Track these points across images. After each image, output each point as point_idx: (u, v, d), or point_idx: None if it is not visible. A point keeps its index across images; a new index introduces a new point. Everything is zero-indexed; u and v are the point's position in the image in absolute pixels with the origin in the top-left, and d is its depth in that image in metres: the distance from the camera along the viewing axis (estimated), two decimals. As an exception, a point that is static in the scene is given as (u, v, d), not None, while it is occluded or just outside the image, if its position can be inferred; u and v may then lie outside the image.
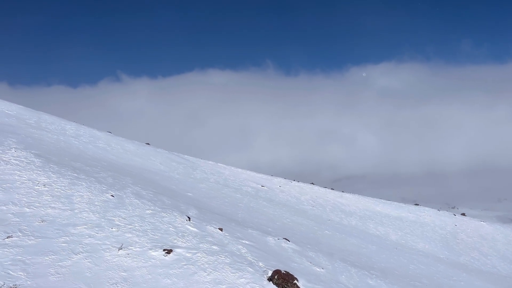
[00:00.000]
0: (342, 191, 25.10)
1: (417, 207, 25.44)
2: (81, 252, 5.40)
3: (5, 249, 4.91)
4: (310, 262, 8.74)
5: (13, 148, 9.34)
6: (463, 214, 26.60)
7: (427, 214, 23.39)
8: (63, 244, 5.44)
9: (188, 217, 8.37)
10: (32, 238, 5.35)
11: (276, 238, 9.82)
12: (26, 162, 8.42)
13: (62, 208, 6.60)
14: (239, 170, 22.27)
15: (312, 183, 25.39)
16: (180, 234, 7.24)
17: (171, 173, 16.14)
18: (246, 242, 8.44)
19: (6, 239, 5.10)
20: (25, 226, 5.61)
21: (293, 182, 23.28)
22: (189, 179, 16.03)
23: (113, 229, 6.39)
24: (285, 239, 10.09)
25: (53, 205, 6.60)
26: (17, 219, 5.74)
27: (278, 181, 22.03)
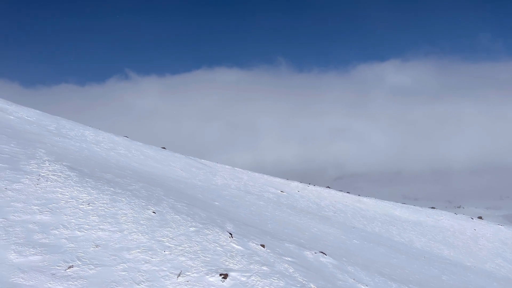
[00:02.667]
0: (358, 195, 24.85)
1: (434, 210, 25.19)
2: (142, 281, 5.17)
3: (69, 282, 4.69)
4: (354, 279, 8.51)
5: (47, 161, 9.14)
6: (480, 217, 26.34)
7: (445, 218, 23.14)
8: (123, 273, 5.22)
9: (230, 234, 8.15)
10: (92, 267, 5.12)
11: (313, 252, 9.59)
12: (63, 177, 8.20)
13: (111, 229, 6.38)
14: (256, 174, 22.05)
15: (328, 187, 25.15)
16: (228, 254, 7.01)
17: (193, 180, 15.92)
18: (289, 259, 8.21)
19: (68, 270, 4.88)
20: (81, 252, 5.39)
21: (310, 186, 23.04)
22: (211, 186, 15.81)
23: (166, 252, 6.17)
24: (322, 252, 9.87)
25: (101, 226, 6.38)
26: (72, 245, 5.52)
27: (295, 185, 21.79)
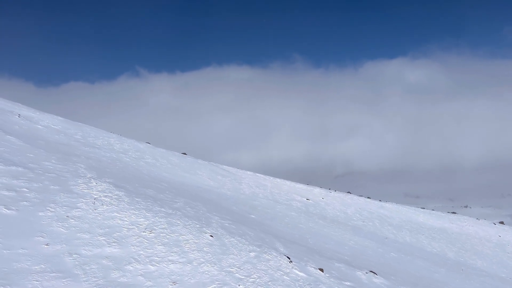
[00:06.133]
0: (380, 200, 24.55)
1: (456, 215, 24.87)
2: (231, 324, 4.87)
3: (163, 330, 4.38)
4: (414, 303, 8.22)
5: (92, 179, 8.84)
6: (502, 223, 26.03)
7: (468, 224, 22.82)
8: (209, 315, 4.92)
9: (288, 257, 7.86)
10: (178, 309, 4.82)
11: (365, 272, 9.30)
12: (115, 198, 7.91)
13: (180, 261, 6.09)
14: (278, 180, 21.74)
15: (349, 192, 24.84)
16: (296, 284, 6.72)
17: (222, 189, 15.62)
18: (349, 283, 7.93)
19: (158, 315, 4.58)
20: (162, 292, 5.09)
21: (332, 192, 22.74)
22: (241, 196, 15.51)
23: (241, 286, 5.88)
24: (372, 272, 9.58)
25: (170, 257, 6.08)
26: (150, 283, 5.23)
27: (318, 192, 21.48)
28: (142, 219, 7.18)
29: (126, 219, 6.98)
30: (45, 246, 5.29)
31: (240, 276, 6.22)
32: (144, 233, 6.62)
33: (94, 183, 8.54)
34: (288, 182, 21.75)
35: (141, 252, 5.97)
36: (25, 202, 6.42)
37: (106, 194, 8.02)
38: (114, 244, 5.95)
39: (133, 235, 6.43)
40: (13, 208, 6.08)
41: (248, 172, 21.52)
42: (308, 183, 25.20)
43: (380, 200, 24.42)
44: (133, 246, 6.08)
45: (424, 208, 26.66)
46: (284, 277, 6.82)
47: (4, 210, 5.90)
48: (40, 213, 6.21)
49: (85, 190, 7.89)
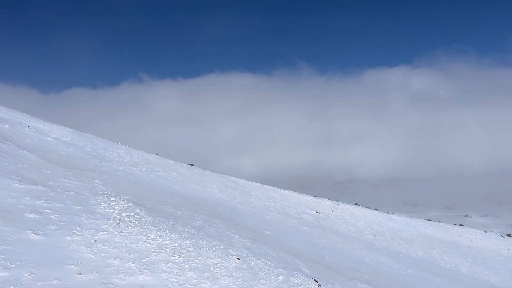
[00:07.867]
0: (387, 212, 24.38)
1: (464, 228, 24.71)
2: None
3: None
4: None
5: (111, 197, 8.65)
6: (509, 235, 25.87)
7: (477, 237, 22.66)
8: None
9: (316, 280, 7.66)
10: None
11: (388, 293, 9.10)
12: (138, 218, 7.71)
13: (213, 288, 5.87)
14: (286, 192, 21.55)
15: (356, 204, 24.67)
16: (329, 310, 6.51)
17: (233, 202, 15.41)
18: (377, 307, 7.73)
19: None
20: (201, 325, 4.87)
21: (340, 204, 22.55)
22: (252, 210, 15.30)
23: (277, 316, 5.66)
24: (395, 292, 9.38)
25: (202, 285, 5.88)
26: (188, 314, 5.01)
27: (327, 204, 21.30)
28: (168, 242, 6.98)
29: (153, 241, 6.78)
30: (78, 276, 5.09)
31: (274, 304, 6.01)
32: (172, 258, 6.42)
33: (115, 202, 8.34)
34: (296, 194, 21.56)
35: (173, 279, 5.77)
36: (51, 226, 6.21)
37: (128, 213, 7.81)
38: (145, 271, 5.74)
39: (162, 260, 6.23)
40: (41, 233, 5.87)
41: (256, 184, 21.32)
42: (306, 189, 25.21)
43: (388, 212, 24.25)
44: (164, 272, 5.87)
45: (430, 220, 26.52)
46: (316, 303, 6.62)
47: (32, 236, 5.70)
48: (68, 238, 6.00)
49: (107, 210, 7.68)
